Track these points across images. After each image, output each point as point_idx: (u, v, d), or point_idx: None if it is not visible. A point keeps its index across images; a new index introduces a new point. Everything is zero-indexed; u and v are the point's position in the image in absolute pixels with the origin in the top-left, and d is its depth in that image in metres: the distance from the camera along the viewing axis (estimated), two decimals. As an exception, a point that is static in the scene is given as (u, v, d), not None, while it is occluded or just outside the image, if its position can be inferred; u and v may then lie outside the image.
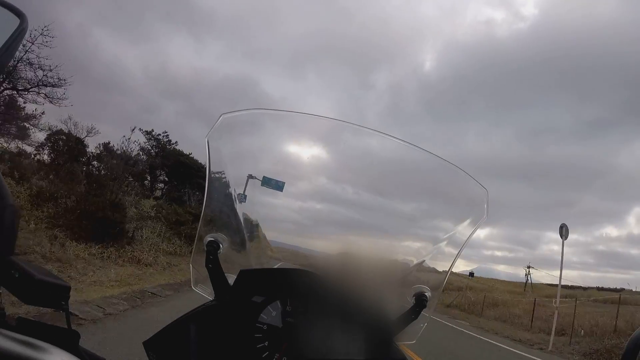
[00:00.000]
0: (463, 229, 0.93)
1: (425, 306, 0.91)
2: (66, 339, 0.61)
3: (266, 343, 0.90)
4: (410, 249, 1.05)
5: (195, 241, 0.95)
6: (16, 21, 0.69)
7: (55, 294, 0.60)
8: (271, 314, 0.92)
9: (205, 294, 0.97)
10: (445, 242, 0.96)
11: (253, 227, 1.04)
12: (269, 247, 1.03)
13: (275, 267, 1.01)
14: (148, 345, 0.87)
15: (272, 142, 1.06)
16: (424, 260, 0.98)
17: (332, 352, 0.88)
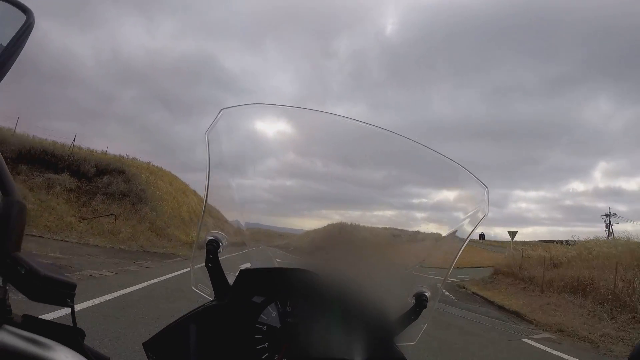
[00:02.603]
0: (463, 228, 0.93)
1: (425, 306, 0.91)
2: (71, 337, 0.62)
3: (266, 344, 0.90)
4: (408, 248, 1.07)
5: (195, 240, 0.94)
6: (22, 17, 0.69)
7: (61, 291, 0.59)
8: (271, 315, 0.91)
9: (205, 294, 0.96)
10: (444, 241, 0.96)
11: (254, 225, 1.04)
12: (245, 231, 0.99)
13: (276, 267, 1.00)
14: (148, 346, 0.87)
15: (272, 136, 1.06)
16: (423, 260, 0.98)
17: (332, 354, 0.88)
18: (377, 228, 1.07)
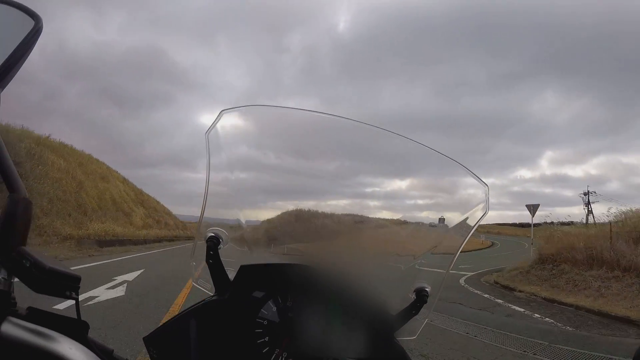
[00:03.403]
0: (463, 225, 0.95)
1: (426, 302, 0.92)
2: (75, 329, 0.63)
3: (266, 338, 0.91)
4: (408, 244, 1.08)
5: (196, 236, 0.96)
6: (31, 23, 0.70)
7: (65, 284, 0.61)
8: (271, 309, 0.92)
9: (205, 289, 0.97)
10: (445, 238, 0.99)
11: (253, 221, 1.05)
12: (245, 227, 1.02)
13: (276, 262, 1.00)
14: (148, 340, 0.88)
15: (271, 137, 1.08)
16: (423, 256, 1.00)
17: (332, 348, 0.89)
18: (381, 220, 1.10)
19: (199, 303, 0.92)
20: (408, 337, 0.95)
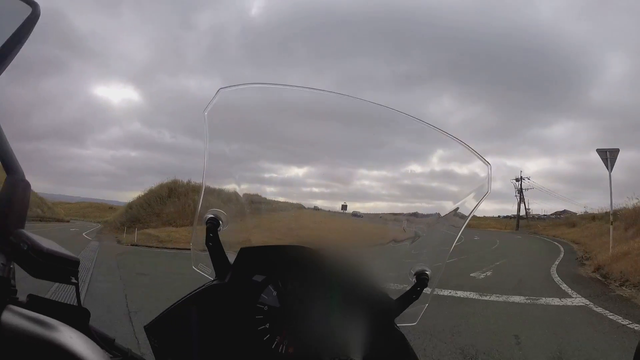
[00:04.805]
0: (465, 205, 0.92)
1: (426, 285, 0.90)
2: (76, 317, 0.62)
3: (267, 325, 0.88)
4: (408, 227, 1.06)
5: (195, 218, 0.92)
6: (28, 10, 0.71)
7: (64, 268, 0.58)
8: (272, 294, 0.90)
9: (205, 273, 0.94)
10: (446, 219, 0.95)
11: (254, 202, 1.02)
12: (244, 204, 0.98)
13: (276, 244, 0.99)
14: (149, 329, 0.87)
15: (270, 116, 1.04)
16: (424, 237, 0.99)
17: (332, 334, 0.87)
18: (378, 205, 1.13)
19: (199, 288, 0.89)
20: (409, 323, 0.94)
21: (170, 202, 28.94)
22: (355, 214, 1.09)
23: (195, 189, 27.13)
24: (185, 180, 30.52)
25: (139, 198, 30.85)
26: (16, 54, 0.66)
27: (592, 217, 31.42)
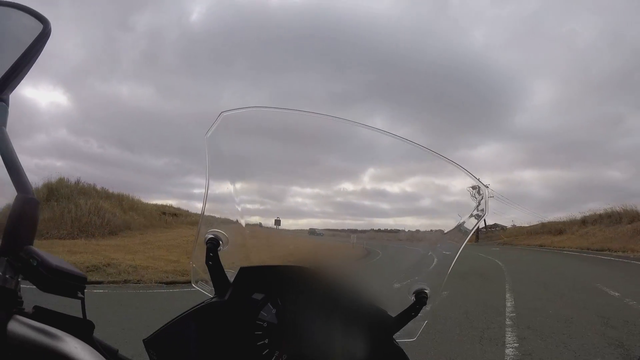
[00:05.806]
0: (463, 227, 0.95)
1: (425, 303, 0.92)
2: (81, 328, 0.63)
3: (266, 340, 0.88)
4: (409, 246, 1.10)
5: (195, 238, 0.93)
6: (39, 27, 0.72)
7: (71, 283, 0.60)
8: (271, 311, 0.90)
9: (205, 291, 0.95)
10: (444, 240, 0.97)
11: (254, 223, 1.03)
12: (245, 230, 1.00)
13: (275, 264, 1.00)
14: (148, 343, 0.87)
15: (271, 140, 1.07)
16: (424, 257, 1.00)
17: (331, 350, 0.88)
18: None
19: (198, 305, 0.90)
20: (408, 339, 0.96)
21: (47, 207, 22.20)
22: (312, 232, 1.14)
23: (83, 191, 24.38)
24: (73, 181, 25.63)
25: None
26: (29, 70, 0.68)
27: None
